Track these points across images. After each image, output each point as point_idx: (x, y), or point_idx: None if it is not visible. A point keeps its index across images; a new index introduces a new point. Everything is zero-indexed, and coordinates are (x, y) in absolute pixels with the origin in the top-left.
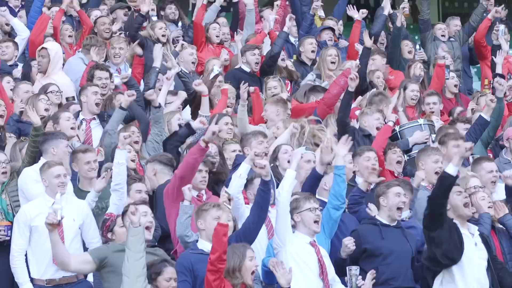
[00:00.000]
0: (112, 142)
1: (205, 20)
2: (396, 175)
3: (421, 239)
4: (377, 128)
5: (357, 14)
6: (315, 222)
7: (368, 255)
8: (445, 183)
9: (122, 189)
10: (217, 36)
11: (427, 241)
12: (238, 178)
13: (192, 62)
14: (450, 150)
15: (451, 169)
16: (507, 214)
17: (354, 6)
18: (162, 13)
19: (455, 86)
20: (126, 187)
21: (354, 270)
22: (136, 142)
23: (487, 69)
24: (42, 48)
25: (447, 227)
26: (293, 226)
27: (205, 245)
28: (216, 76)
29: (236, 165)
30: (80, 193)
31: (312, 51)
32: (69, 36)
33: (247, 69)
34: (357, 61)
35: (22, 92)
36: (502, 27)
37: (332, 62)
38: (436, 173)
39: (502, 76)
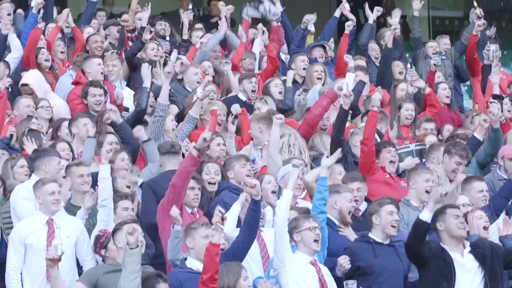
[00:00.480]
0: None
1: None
2: (388, 171)
3: None
4: None
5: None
6: (315, 241)
7: (361, 273)
8: (421, 228)
9: (109, 205)
10: (207, 74)
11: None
12: (231, 218)
13: (198, 82)
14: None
15: (425, 216)
16: (509, 235)
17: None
18: (152, 29)
19: (447, 97)
20: (112, 203)
21: (351, 284)
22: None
23: (478, 86)
24: (22, 84)
25: (434, 264)
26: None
27: (193, 264)
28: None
29: (220, 190)
30: (72, 208)
31: (304, 69)
32: (61, 52)
33: (243, 98)
34: (349, 90)
35: (23, 107)
36: (493, 46)
37: (318, 78)
38: (427, 191)
39: (499, 96)
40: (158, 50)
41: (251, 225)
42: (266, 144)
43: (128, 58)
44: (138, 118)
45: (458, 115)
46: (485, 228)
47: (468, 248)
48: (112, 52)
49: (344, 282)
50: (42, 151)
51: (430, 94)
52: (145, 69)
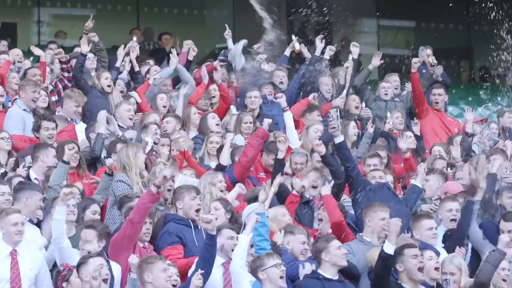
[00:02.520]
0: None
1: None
2: None
3: None
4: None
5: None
6: (281, 277)
7: None
8: (386, 262)
9: (61, 244)
10: (164, 106)
11: None
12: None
13: (130, 118)
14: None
15: (389, 249)
16: None
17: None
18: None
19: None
20: (65, 243)
21: None
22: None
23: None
24: None
25: None
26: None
27: None
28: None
29: (166, 222)
30: None
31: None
32: (16, 84)
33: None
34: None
35: None
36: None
37: (247, 128)
38: (383, 229)
39: (469, 135)
40: (111, 79)
41: (207, 259)
42: None
43: (75, 76)
44: (92, 163)
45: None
46: (436, 269)
47: None
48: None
49: None
50: (26, 184)
51: (409, 159)
52: (101, 115)
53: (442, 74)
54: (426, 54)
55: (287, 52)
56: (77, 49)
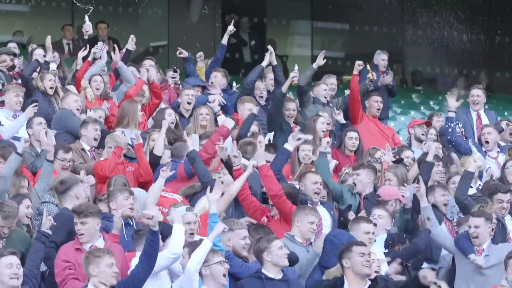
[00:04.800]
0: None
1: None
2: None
3: None
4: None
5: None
6: (224, 275)
7: None
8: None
9: None
10: (97, 89)
11: None
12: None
13: (77, 109)
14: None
15: None
16: None
17: None
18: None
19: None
20: None
21: None
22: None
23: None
24: None
25: None
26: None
27: None
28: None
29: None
30: None
31: (189, 103)
32: None
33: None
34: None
35: None
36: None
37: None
38: (311, 232)
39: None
40: (55, 81)
41: (150, 254)
42: None
43: (25, 78)
44: None
45: None
46: (377, 272)
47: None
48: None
49: None
50: None
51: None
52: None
53: (393, 82)
54: (367, 69)
55: (224, 40)
56: (10, 45)
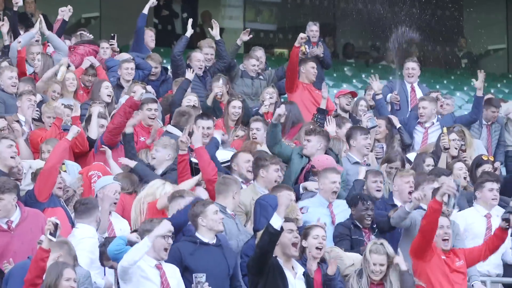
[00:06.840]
0: None
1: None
2: None
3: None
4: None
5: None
6: (165, 249)
7: (189, 272)
8: (273, 238)
9: None
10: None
11: (249, 280)
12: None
13: (12, 86)
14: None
15: (276, 223)
16: None
17: None
18: None
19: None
20: None
21: (199, 277)
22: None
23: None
24: None
25: (270, 271)
26: None
27: None
28: None
29: None
30: None
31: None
32: None
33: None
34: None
35: None
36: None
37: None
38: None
39: (324, 111)
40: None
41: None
42: None
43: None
44: None
45: None
46: (317, 248)
47: (300, 271)
48: None
49: (193, 275)
50: None
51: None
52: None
53: (326, 54)
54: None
55: (145, 10)
56: None
